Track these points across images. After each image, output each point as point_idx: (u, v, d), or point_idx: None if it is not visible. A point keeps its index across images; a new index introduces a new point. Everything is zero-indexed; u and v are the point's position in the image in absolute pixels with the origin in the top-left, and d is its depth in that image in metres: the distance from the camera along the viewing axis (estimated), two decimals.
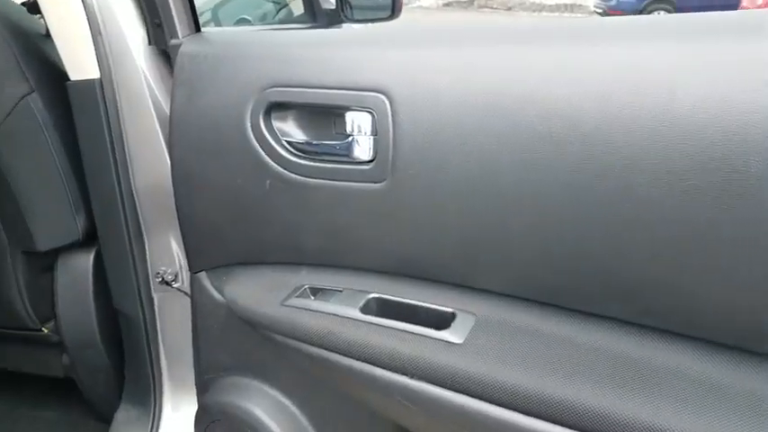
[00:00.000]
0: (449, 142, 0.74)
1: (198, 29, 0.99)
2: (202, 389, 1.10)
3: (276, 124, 0.87)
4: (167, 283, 1.12)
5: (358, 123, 0.81)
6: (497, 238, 0.74)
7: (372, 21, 1.77)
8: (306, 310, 0.84)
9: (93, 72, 1.00)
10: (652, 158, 0.62)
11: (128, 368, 1.25)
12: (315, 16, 1.82)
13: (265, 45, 0.92)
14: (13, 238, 1.12)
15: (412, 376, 0.75)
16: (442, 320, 0.79)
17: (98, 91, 1.00)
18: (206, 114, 0.90)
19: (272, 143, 0.86)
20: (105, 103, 1.01)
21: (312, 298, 0.87)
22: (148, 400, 1.23)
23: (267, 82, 0.85)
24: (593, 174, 0.66)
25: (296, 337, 0.84)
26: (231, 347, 1.02)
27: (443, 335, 0.76)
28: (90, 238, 1.16)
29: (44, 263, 1.18)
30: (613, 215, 0.66)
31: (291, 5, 2.02)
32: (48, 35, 1.02)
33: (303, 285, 0.88)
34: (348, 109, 0.81)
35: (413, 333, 0.77)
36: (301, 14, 1.88)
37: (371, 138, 0.80)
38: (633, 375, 0.66)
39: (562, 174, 0.67)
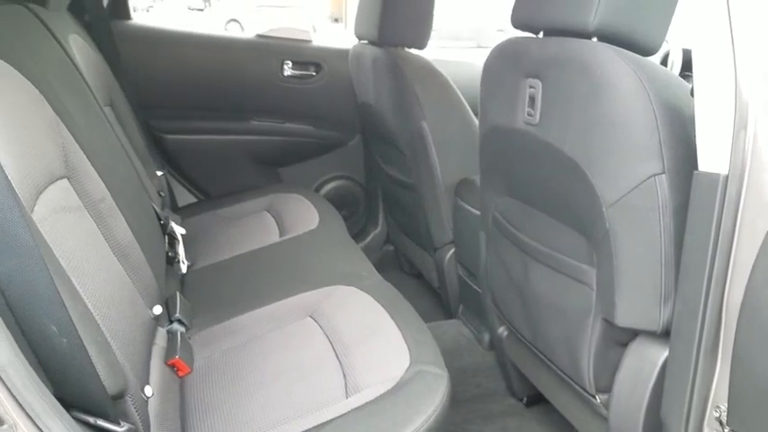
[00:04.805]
0: None
1: None
2: None
3: None
4: (721, 424, 0.90)
5: None
6: None
7: None
8: None
9: (722, 167, 0.86)
10: None
11: None
12: None
13: None
14: (600, 303, 1.13)
15: None
16: None
17: (720, 187, 0.85)
18: None
19: None
20: (724, 201, 0.85)
21: None
22: None
23: None
24: None
25: None
26: None
27: None
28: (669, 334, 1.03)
29: (619, 337, 1.14)
30: None
31: None
32: None
33: None
34: None
35: None
36: None
37: None
38: None
39: None
